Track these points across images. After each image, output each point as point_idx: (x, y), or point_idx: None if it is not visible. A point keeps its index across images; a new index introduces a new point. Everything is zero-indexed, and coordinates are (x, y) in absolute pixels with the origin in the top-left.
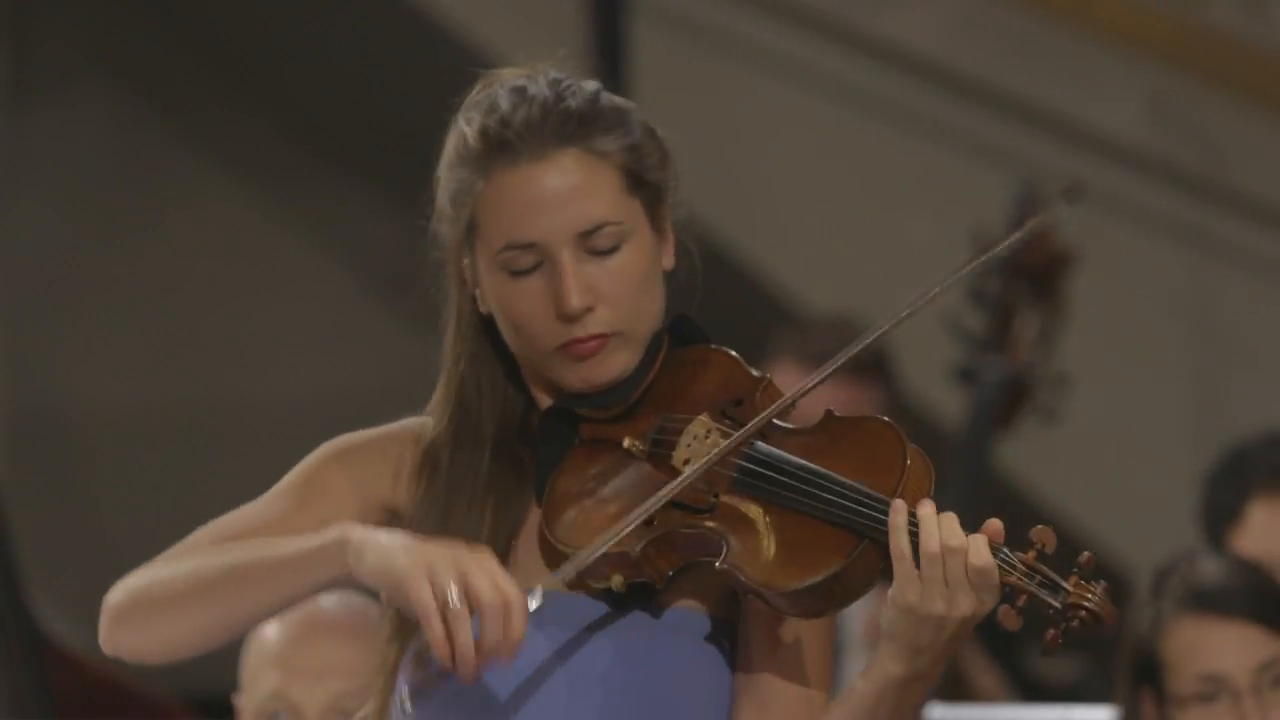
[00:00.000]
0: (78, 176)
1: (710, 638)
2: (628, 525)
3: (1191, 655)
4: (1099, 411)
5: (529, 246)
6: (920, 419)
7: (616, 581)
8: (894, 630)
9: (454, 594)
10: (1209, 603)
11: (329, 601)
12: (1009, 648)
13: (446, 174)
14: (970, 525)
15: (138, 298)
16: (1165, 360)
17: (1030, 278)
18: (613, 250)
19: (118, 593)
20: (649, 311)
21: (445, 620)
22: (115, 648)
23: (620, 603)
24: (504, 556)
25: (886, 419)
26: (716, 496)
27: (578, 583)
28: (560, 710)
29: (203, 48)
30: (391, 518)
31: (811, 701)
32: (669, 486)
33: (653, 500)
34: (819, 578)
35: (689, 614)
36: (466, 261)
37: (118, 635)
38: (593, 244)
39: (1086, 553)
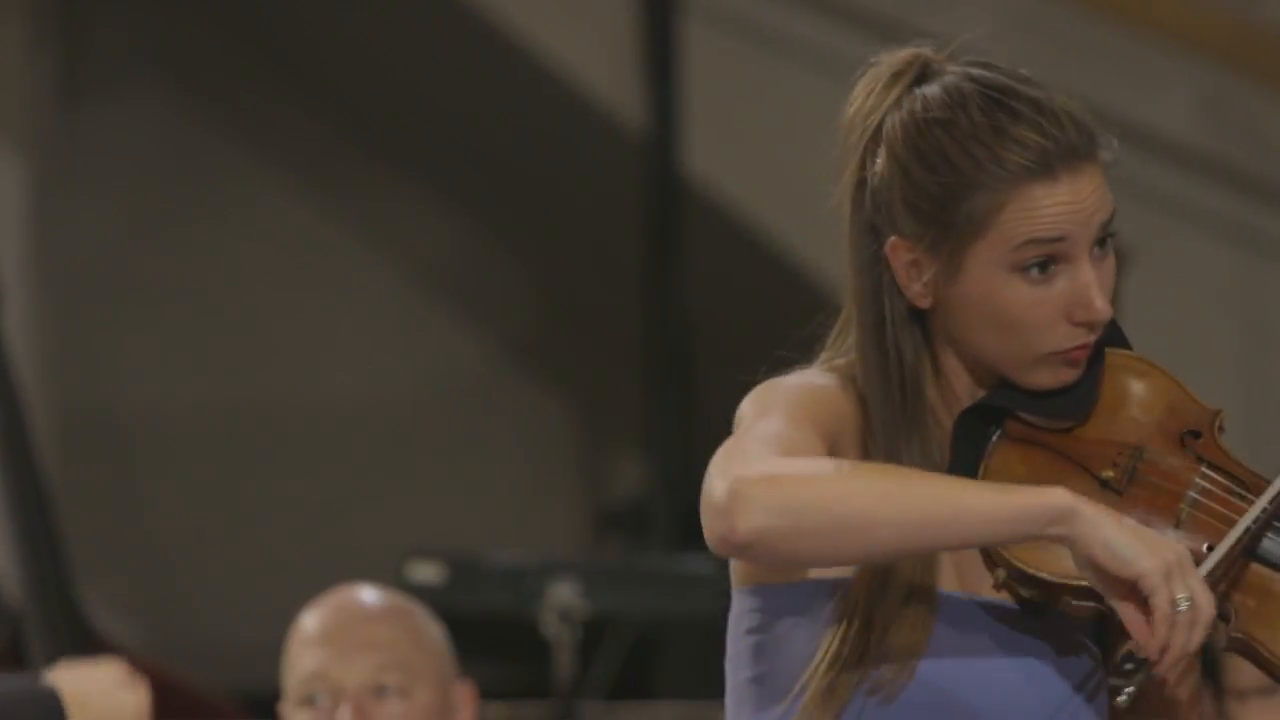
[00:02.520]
0: (130, 175)
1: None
2: (1221, 553)
3: None
4: None
5: (1056, 240)
6: None
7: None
8: None
9: (1184, 600)
10: None
11: (363, 588)
12: None
13: (936, 168)
14: None
15: (190, 296)
16: (1217, 359)
17: None
18: (1110, 252)
19: (769, 485)
20: None
21: (1173, 620)
22: (759, 536)
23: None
24: None
25: None
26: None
27: (1006, 583)
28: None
29: (255, 45)
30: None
31: None
32: (1221, 551)
33: (1226, 544)
34: None
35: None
36: (929, 258)
37: (773, 525)
38: (1103, 245)
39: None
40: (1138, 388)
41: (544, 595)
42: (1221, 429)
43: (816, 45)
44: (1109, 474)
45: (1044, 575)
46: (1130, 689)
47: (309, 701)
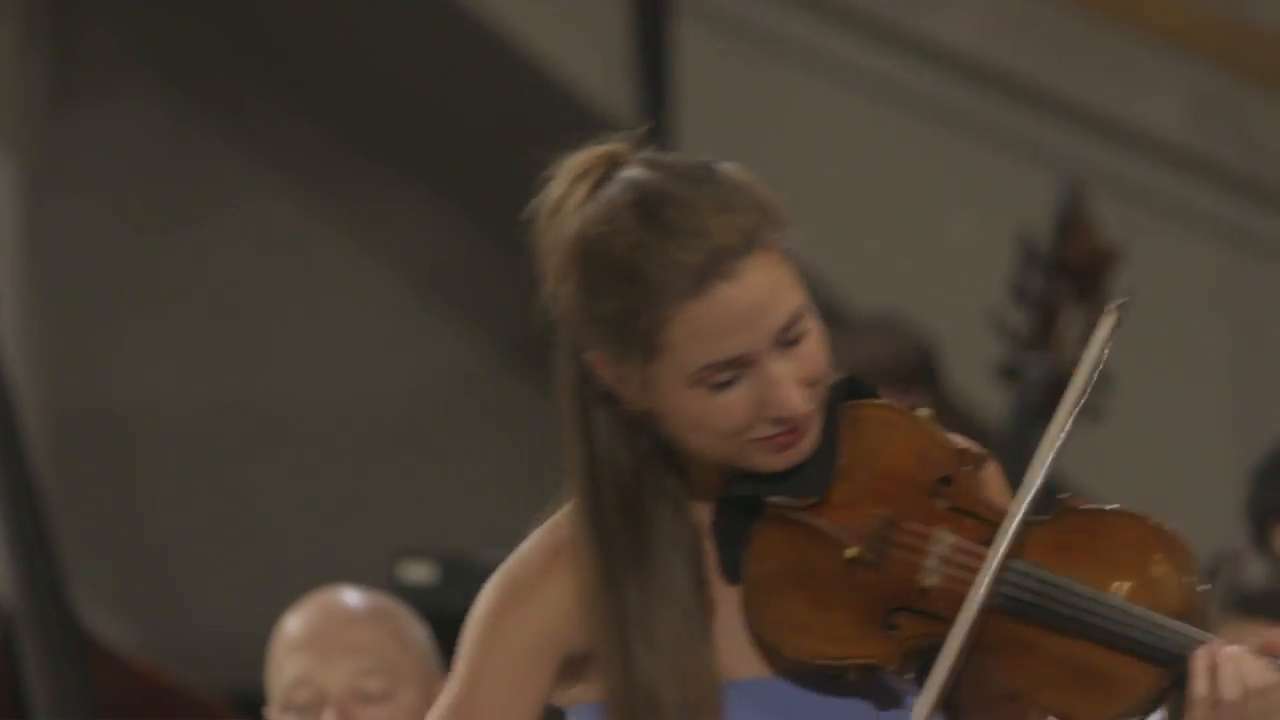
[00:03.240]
0: (123, 175)
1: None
2: (940, 678)
3: None
4: (1140, 410)
5: (733, 362)
6: (963, 417)
7: (852, 676)
8: None
9: None
10: (1256, 606)
11: (346, 590)
12: None
13: (602, 289)
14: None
15: (182, 296)
16: (1208, 359)
17: (1074, 276)
18: (804, 335)
19: None
20: (829, 373)
21: None
22: None
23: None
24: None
25: (1134, 514)
26: (973, 609)
27: (792, 666)
28: None
29: (248, 45)
30: (569, 662)
31: None
32: (960, 626)
33: (958, 646)
34: (1121, 708)
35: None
36: (625, 371)
37: None
38: (789, 336)
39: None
40: (885, 441)
41: None
42: (974, 465)
43: (810, 46)
44: (854, 552)
45: (822, 662)
46: None
47: (293, 706)
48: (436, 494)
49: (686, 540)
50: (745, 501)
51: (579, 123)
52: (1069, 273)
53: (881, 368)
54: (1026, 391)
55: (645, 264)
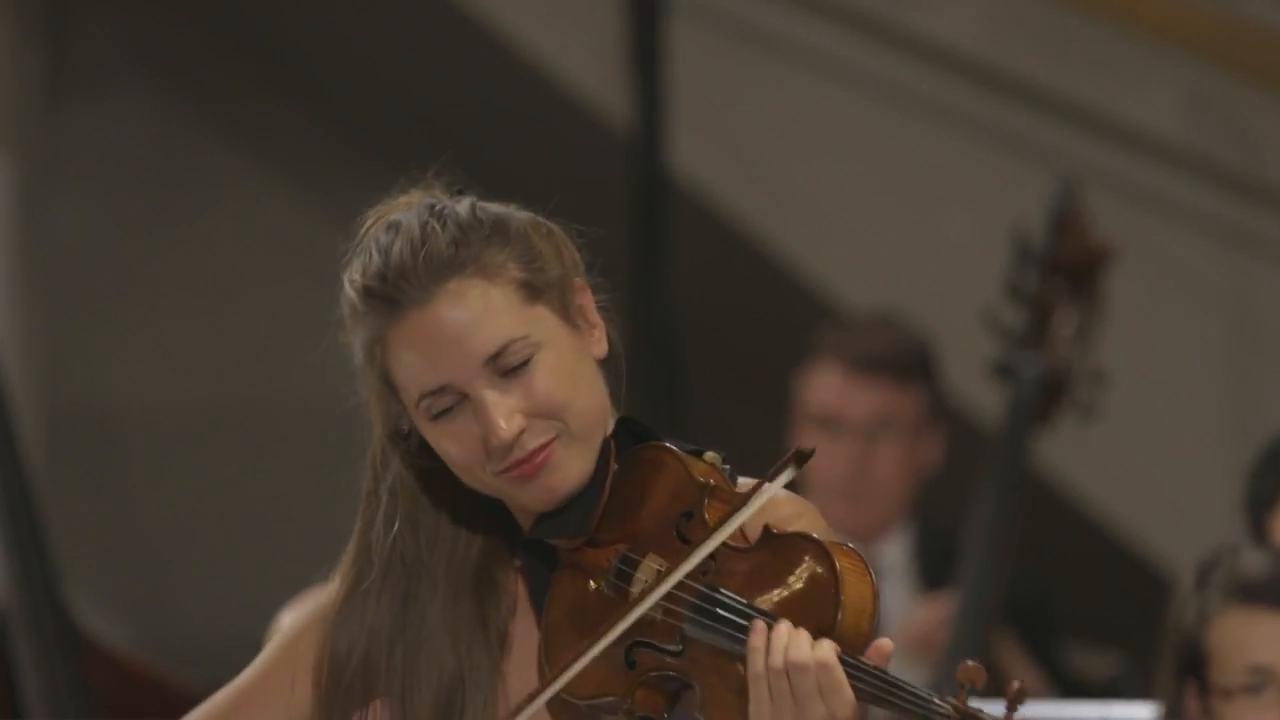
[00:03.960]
0: (115, 173)
1: None
2: (564, 676)
3: (1239, 647)
4: (1137, 408)
5: (442, 390)
6: (958, 415)
7: None
8: None
9: None
10: (1258, 594)
11: None
12: (1047, 644)
13: (351, 334)
14: (1007, 522)
15: (174, 293)
16: (1203, 357)
17: (1068, 274)
18: (525, 364)
19: None
20: (589, 408)
21: None
22: None
23: None
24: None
25: (818, 538)
26: (684, 637)
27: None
28: None
29: (239, 43)
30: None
31: None
32: (601, 639)
33: (601, 641)
34: None
35: None
36: (398, 411)
37: None
38: (502, 365)
39: (1016, 683)
40: (650, 481)
41: None
42: (713, 500)
43: (803, 43)
44: (597, 584)
45: (583, 702)
46: None
47: None
48: None
49: (503, 583)
50: (535, 546)
51: (572, 121)
52: (1063, 271)
53: (880, 363)
54: (1021, 390)
55: (356, 299)
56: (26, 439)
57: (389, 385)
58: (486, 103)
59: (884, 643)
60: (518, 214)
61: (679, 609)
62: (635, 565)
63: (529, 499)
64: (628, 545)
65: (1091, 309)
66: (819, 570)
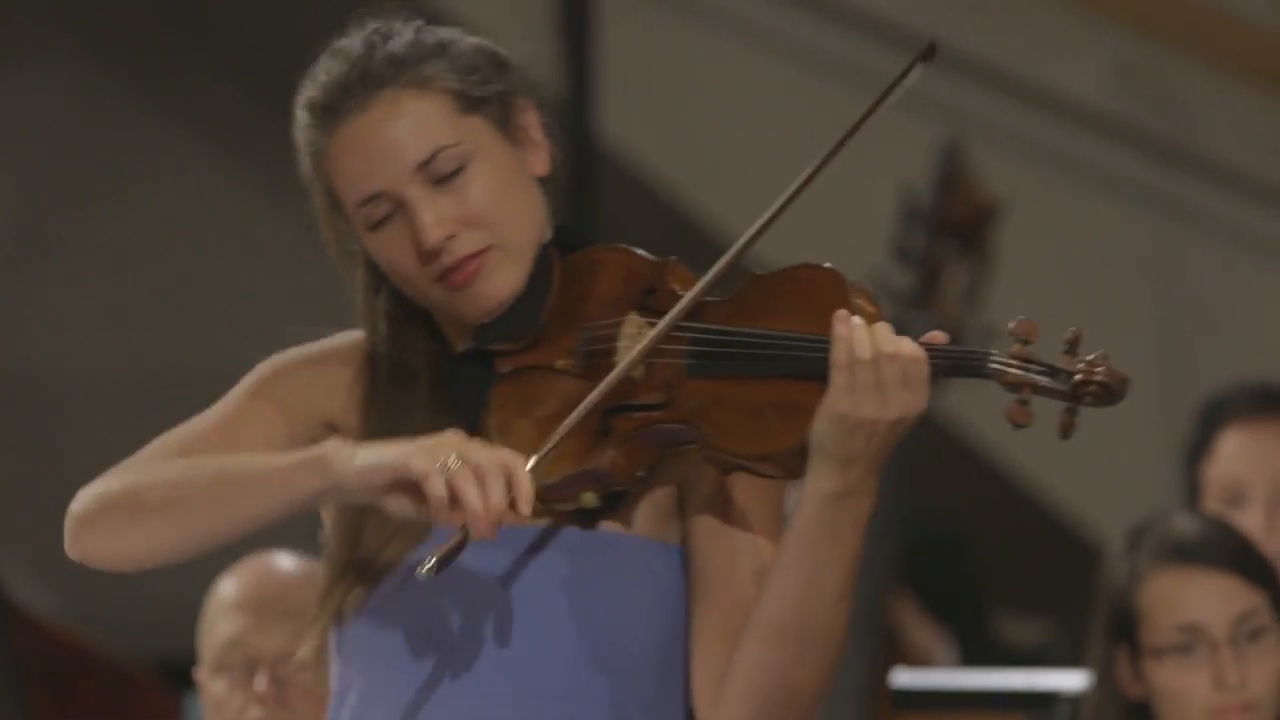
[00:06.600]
0: (44, 139)
1: (649, 557)
2: (570, 424)
3: (1169, 606)
4: None
5: (376, 197)
6: None
7: (589, 499)
8: (824, 442)
9: (453, 459)
10: (1188, 554)
11: (283, 554)
12: (972, 613)
13: (301, 158)
14: (902, 478)
15: (106, 263)
16: (1133, 326)
17: (956, 232)
18: (457, 172)
19: (86, 499)
20: (522, 220)
21: (450, 483)
22: (84, 553)
23: (585, 519)
24: None
25: (818, 264)
26: (673, 388)
27: (543, 508)
28: (511, 636)
29: (171, 13)
30: (329, 431)
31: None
32: (610, 377)
33: (595, 395)
34: (806, 433)
35: (625, 537)
36: (345, 229)
37: (89, 540)
38: (434, 172)
39: (1073, 329)
40: (594, 276)
41: None
42: (675, 272)
43: (731, 10)
44: (564, 364)
45: (552, 481)
46: (435, 560)
47: (226, 667)
48: None
49: (443, 397)
50: (473, 359)
51: None
52: (951, 229)
53: None
54: None
55: (301, 115)
56: None
57: (333, 201)
58: None
59: (937, 334)
60: (467, 37)
61: (677, 347)
62: (609, 338)
63: (467, 308)
64: (585, 325)
65: (981, 266)
66: (816, 275)
